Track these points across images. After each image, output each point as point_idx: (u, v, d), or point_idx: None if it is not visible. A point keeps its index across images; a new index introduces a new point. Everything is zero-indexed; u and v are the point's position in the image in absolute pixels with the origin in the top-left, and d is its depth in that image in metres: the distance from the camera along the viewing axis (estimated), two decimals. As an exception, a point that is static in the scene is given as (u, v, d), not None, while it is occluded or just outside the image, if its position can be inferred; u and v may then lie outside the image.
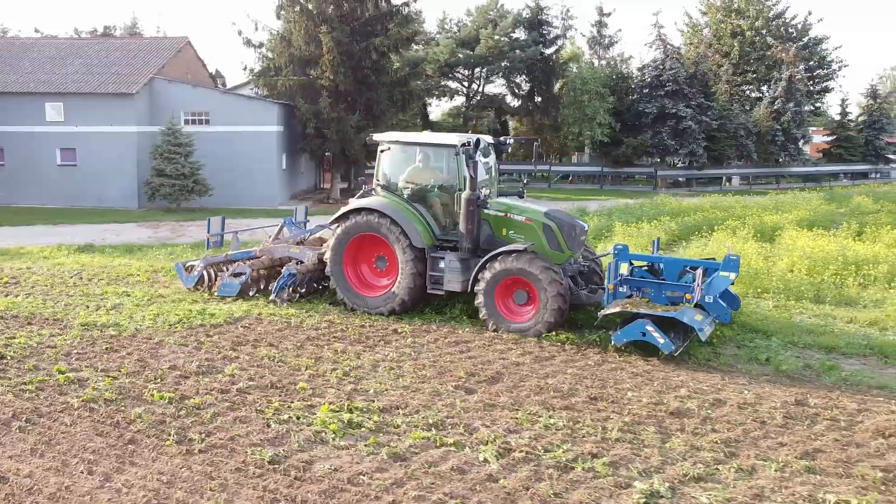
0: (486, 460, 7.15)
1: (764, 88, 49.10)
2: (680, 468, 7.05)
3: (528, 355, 10.53)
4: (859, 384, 9.66)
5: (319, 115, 29.09)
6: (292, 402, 8.54)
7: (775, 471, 7.04)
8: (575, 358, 10.48)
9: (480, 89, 42.32)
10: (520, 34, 42.18)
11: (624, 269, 11.30)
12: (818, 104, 55.47)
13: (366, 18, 30.42)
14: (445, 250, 12.31)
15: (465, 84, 42.02)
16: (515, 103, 44.28)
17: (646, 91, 42.44)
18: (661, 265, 11.77)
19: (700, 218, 22.88)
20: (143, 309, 12.80)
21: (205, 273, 14.05)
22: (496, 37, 39.92)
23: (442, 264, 12.16)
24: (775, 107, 45.79)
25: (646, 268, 11.89)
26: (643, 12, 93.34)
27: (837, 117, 53.72)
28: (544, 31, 42.13)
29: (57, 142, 29.09)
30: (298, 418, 8.11)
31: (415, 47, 42.31)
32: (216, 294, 13.59)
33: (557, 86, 42.55)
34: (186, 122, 29.50)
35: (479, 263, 11.67)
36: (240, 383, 9.15)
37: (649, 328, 10.07)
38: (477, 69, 40.85)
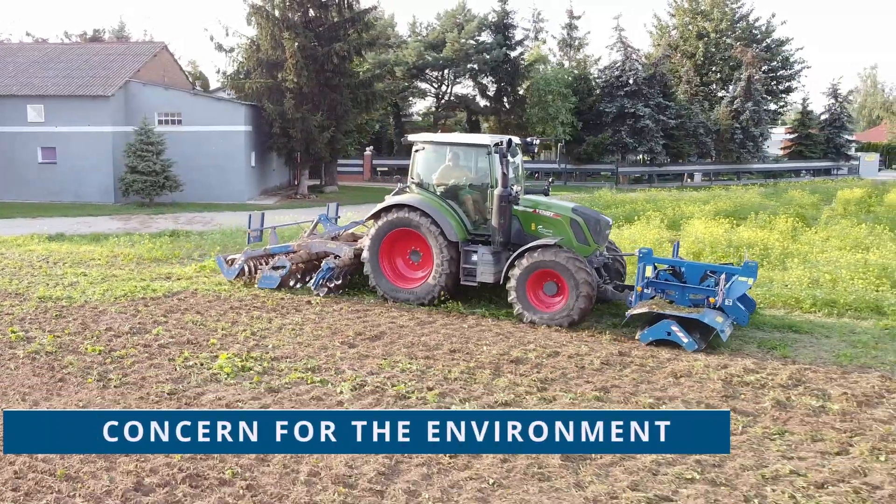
0: (341, 392, 8.96)
1: (730, 88, 50.86)
2: (494, 398, 8.86)
3: (415, 320, 12.35)
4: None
5: (284, 116, 30.94)
6: (200, 354, 10.35)
7: (569, 399, 8.85)
8: (454, 322, 12.28)
9: (449, 90, 44.13)
10: (486, 37, 44.01)
11: (649, 271, 11.96)
12: (782, 103, 57.33)
13: (330, 24, 32.29)
14: (478, 244, 12.95)
15: (435, 85, 43.83)
16: (485, 103, 46.09)
17: (607, 91, 44.28)
18: (683, 269, 12.16)
19: (629, 209, 24.70)
20: (96, 286, 14.61)
21: (245, 266, 14.67)
22: (462, 40, 41.73)
23: (475, 257, 12.77)
24: (735, 106, 47.65)
25: (669, 271, 12.28)
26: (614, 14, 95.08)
27: (800, 116, 55.58)
28: (510, 35, 43.96)
29: (38, 141, 30.88)
30: (202, 364, 9.92)
31: (389, 50, 44.35)
32: (257, 286, 14.32)
33: (523, 87, 44.35)
34: (160, 122, 31.31)
35: (511, 257, 12.28)
36: (161, 340, 10.97)
37: (674, 328, 10.74)
38: (445, 71, 42.61)
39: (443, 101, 45.15)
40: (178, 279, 15.48)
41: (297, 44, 30.25)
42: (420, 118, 47.18)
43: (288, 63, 30.35)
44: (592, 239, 12.50)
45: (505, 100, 44.20)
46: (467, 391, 9.08)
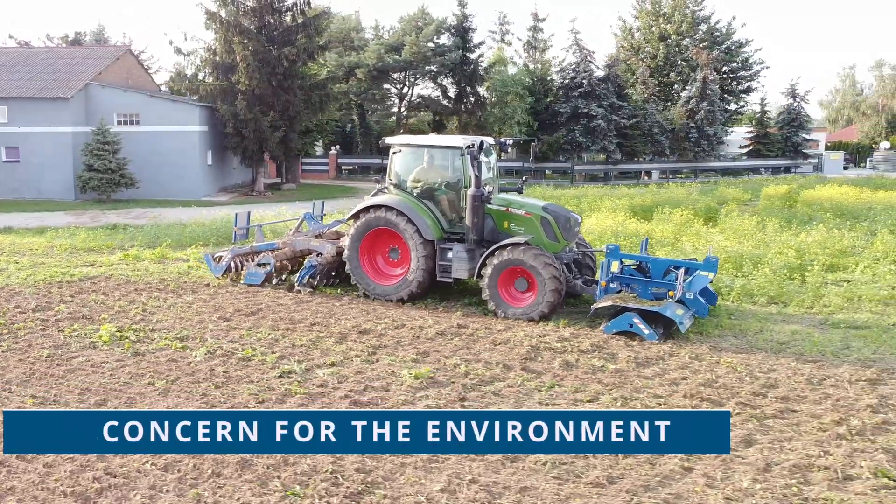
0: (195, 356, 10.42)
1: (688, 88, 52.29)
2: (324, 359, 10.32)
3: (295, 300, 13.82)
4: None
5: (237, 116, 32.43)
6: (88, 326, 11.80)
7: (388, 362, 10.30)
8: (328, 302, 13.74)
9: (410, 92, 45.66)
10: (445, 40, 45.47)
11: (615, 267, 12.43)
12: (742, 103, 58.86)
13: (284, 29, 33.81)
14: (453, 242, 13.42)
15: (399, 87, 45.34)
16: (447, 104, 47.56)
17: (563, 92, 45.77)
18: (648, 264, 12.70)
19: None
20: (23, 271, 16.07)
21: (232, 263, 15.16)
22: (420, 42, 43.20)
23: (450, 255, 13.23)
24: (690, 106, 49.17)
25: (634, 266, 12.82)
26: (583, 16, 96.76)
27: (758, 115, 57.11)
28: (469, 38, 45.42)
29: (2, 141, 32.35)
30: (85, 335, 11.38)
31: (352, 52, 45.83)
32: (243, 282, 14.82)
33: (483, 88, 45.83)
34: (119, 122, 32.80)
35: (483, 255, 12.81)
36: (60, 316, 12.42)
37: (636, 320, 11.21)
38: (405, 73, 44.09)
39: (406, 102, 46.56)
40: (101, 266, 16.92)
41: (250, 48, 31.75)
42: (383, 119, 48.58)
43: (240, 66, 31.83)
44: (562, 236, 13.00)
45: (466, 101, 45.65)
46: (304, 355, 10.54)
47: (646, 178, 49.87)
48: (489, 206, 13.21)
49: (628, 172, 49.47)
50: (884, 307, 13.39)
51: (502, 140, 15.44)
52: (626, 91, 48.07)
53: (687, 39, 55.93)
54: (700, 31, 56.68)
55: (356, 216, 13.93)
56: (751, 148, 56.78)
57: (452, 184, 13.66)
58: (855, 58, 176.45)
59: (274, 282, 14.89)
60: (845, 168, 72.81)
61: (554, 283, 12.17)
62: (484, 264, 12.74)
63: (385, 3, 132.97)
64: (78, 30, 60.46)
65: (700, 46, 51.99)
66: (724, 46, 56.07)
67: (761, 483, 6.81)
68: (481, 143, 13.13)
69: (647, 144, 48.01)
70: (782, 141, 55.78)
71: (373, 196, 14.30)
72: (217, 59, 33.31)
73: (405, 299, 13.51)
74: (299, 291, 14.23)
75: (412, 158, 14.03)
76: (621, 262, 12.63)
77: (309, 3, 34.28)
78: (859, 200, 27.69)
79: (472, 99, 45.79)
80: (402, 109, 47.18)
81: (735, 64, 57.01)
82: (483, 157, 13.24)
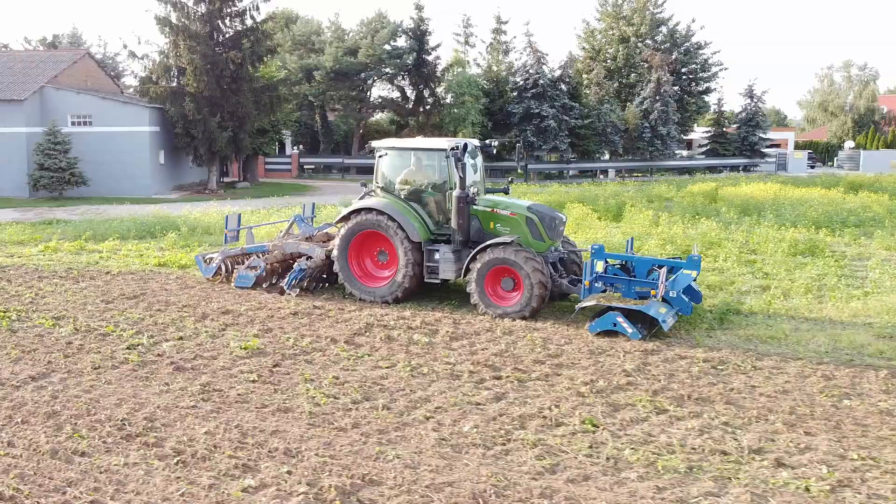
0: (62, 332, 11.66)
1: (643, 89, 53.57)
2: (175, 335, 11.55)
3: (203, 291, 14.77)
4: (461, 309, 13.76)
5: (186, 118, 33.72)
6: (-17, 309, 13.02)
7: (231, 336, 11.55)
8: (236, 293, 14.60)
9: (368, 94, 46.91)
10: (402, 43, 46.79)
11: (599, 266, 12.47)
12: (701, 104, 60.20)
13: (233, 34, 35.18)
14: (440, 243, 13.51)
15: (357, 89, 46.62)
16: (407, 105, 48.88)
17: (515, 93, 47.11)
18: (633, 264, 12.72)
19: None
20: (-54, 262, 17.33)
21: (222, 265, 15.29)
22: (375, 45, 44.51)
23: (437, 256, 13.33)
24: (644, 106, 50.53)
25: (619, 266, 12.84)
26: (551, 18, 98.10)
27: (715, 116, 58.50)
28: (425, 40, 46.73)
29: (-41, 141, 33.67)
30: (-19, 317, 12.59)
31: (312, 55, 47.14)
32: (234, 285, 14.81)
33: (440, 89, 47.17)
34: (73, 123, 34.12)
35: (470, 255, 12.93)
36: (-46, 300, 13.66)
37: (619, 319, 11.29)
38: (363, 74, 45.38)
39: (366, 103, 47.85)
40: (19, 257, 18.17)
41: (199, 52, 33.05)
42: (343, 119, 49.90)
43: (188, 70, 33.15)
44: (547, 235, 13.11)
45: (423, 102, 46.96)
46: (159, 332, 11.74)
47: (601, 176, 51.24)
48: (475, 207, 13.35)
49: (588, 171, 50.85)
50: (706, 290, 14.57)
51: (487, 142, 15.65)
52: (581, 92, 49.40)
53: (648, 41, 57.36)
54: (661, 34, 58.13)
55: (344, 219, 14.02)
56: (708, 147, 58.20)
57: (439, 186, 13.81)
58: (834, 58, 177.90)
59: (265, 285, 14.80)
60: (812, 167, 74.38)
61: (539, 282, 12.29)
62: (470, 264, 12.88)
63: (359, 8, 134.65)
64: (56, 32, 61.85)
65: (655, 49, 53.39)
66: (683, 48, 57.50)
67: (480, 427, 8.08)
68: (465, 144, 13.25)
69: (601, 144, 49.37)
70: (739, 140, 57.19)
71: (360, 199, 14.38)
72: (168, 62, 34.60)
73: (393, 300, 13.59)
74: (289, 295, 14.14)
75: (399, 161, 14.18)
76: (606, 262, 12.69)
77: (258, 8, 35.66)
78: (776, 196, 29.04)
79: (430, 100, 47.12)
80: (362, 110, 48.39)
81: (694, 65, 58.41)
82: (469, 159, 13.34)
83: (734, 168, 57.00)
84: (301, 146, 50.33)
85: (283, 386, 9.38)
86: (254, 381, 9.54)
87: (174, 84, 34.55)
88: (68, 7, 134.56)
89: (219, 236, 21.10)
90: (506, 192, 14.82)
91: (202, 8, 34.66)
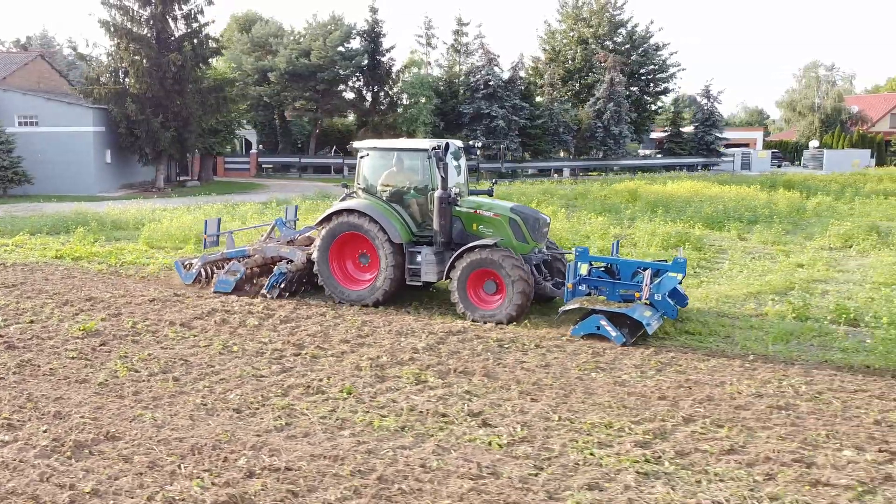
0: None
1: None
2: (30, 318, 12.48)
3: (81, 281, 15.71)
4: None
5: (129, 118, 34.68)
6: None
7: (81, 320, 12.50)
8: (109, 283, 15.64)
9: (321, 95, 47.83)
10: (356, 44, 47.77)
11: (584, 269, 12.26)
12: (659, 104, 61.26)
13: (177, 36, 36.15)
14: (422, 245, 13.27)
15: (311, 90, 47.54)
16: (363, 105, 49.84)
17: (468, 94, 48.10)
18: (617, 266, 12.57)
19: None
20: None
21: (202, 270, 15.00)
22: (328, 47, 45.47)
23: (419, 258, 13.10)
24: (597, 107, 51.54)
25: (603, 268, 12.73)
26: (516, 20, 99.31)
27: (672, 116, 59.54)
28: (380, 42, 47.72)
29: None
30: None
31: (269, 57, 48.11)
32: (213, 290, 14.42)
33: (395, 90, 48.17)
34: (20, 123, 35.10)
35: (452, 257, 12.70)
36: None
37: (603, 323, 11.12)
38: (317, 75, 46.29)
39: (321, 104, 48.80)
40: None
41: (143, 54, 34.02)
42: (298, 119, 50.88)
43: (130, 71, 34.12)
44: (531, 237, 12.89)
45: (378, 102, 47.95)
46: (15, 317, 12.67)
47: (556, 175, 52.24)
48: (457, 208, 13.13)
49: (546, 170, 51.82)
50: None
51: (470, 143, 15.57)
52: (534, 92, 50.41)
53: (608, 42, 58.38)
54: (621, 35, 59.15)
55: (325, 221, 13.77)
56: (664, 147, 59.23)
57: (421, 187, 13.54)
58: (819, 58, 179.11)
59: (246, 288, 14.55)
60: (779, 166, 75.58)
61: (522, 284, 12.09)
62: (452, 266, 12.67)
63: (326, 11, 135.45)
64: (29, 34, 62.76)
65: (612, 50, 54.41)
66: (641, 50, 58.55)
67: (246, 395, 9.02)
68: (447, 145, 13.10)
69: (553, 144, 50.36)
70: (695, 140, 58.22)
71: (341, 200, 14.22)
72: (113, 64, 35.58)
73: (375, 303, 13.35)
74: (270, 298, 13.91)
75: (380, 162, 13.95)
76: (590, 265, 12.57)
77: (202, 12, 36.61)
78: (693, 194, 30.03)
79: (386, 101, 48.11)
80: (318, 111, 49.36)
81: (653, 66, 59.44)
82: (452, 161, 13.19)
83: (691, 167, 58.02)
84: (262, 146, 51.29)
85: (97, 362, 10.30)
86: (72, 358, 10.44)
87: (120, 85, 35.41)
88: (41, 9, 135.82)
89: (129, 231, 22.13)
90: (490, 193, 14.55)
91: (147, 11, 35.58)
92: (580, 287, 12.13)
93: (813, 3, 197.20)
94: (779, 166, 75.27)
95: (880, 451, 7.53)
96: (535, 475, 6.98)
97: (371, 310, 13.31)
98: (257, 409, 8.66)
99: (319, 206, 25.33)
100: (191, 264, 15.20)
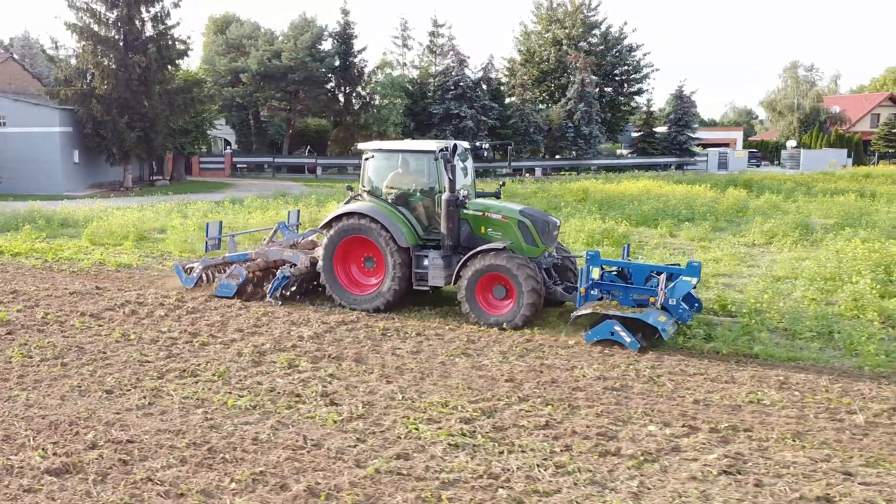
0: None
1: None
2: (41, 324, 13.12)
3: (11, 275, 16.36)
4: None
5: (95, 119, 35.33)
6: None
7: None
8: (39, 276, 16.29)
9: (294, 95, 48.52)
10: (327, 46, 48.46)
11: (595, 273, 12.00)
12: (633, 104, 61.97)
13: (144, 39, 36.83)
14: (429, 249, 12.98)
15: (283, 90, 48.23)
16: (337, 106, 50.53)
17: (438, 94, 48.81)
18: (630, 270, 12.25)
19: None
20: None
21: (203, 275, 14.67)
22: (299, 48, 46.14)
23: (426, 262, 12.81)
24: (568, 107, 52.23)
25: (615, 272, 12.38)
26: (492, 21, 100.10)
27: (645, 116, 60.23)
28: (351, 44, 48.40)
29: None
30: None
31: (241, 58, 48.79)
32: (215, 294, 14.13)
33: (366, 90, 48.86)
34: (-12, 123, 35.83)
35: (460, 262, 12.41)
36: None
37: (617, 328, 10.88)
38: (289, 76, 46.96)
39: (293, 104, 49.48)
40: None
41: (108, 56, 34.68)
42: (272, 120, 51.56)
43: (95, 73, 34.78)
44: (540, 240, 12.60)
45: (350, 103, 48.62)
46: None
47: (527, 174, 52.87)
48: (465, 211, 12.86)
49: (518, 169, 52.46)
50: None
51: (478, 144, 15.59)
52: (503, 93, 51.10)
53: (583, 43, 59.09)
54: (595, 36, 59.85)
55: (329, 225, 13.51)
56: (638, 146, 59.92)
57: (427, 189, 13.28)
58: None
59: (248, 292, 14.26)
60: (758, 166, 76.36)
61: (533, 289, 11.86)
62: (460, 271, 12.42)
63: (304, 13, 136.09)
64: (12, 35, 63.41)
65: (586, 52, 55.11)
66: (615, 51, 59.25)
67: (124, 378, 9.67)
68: (454, 146, 12.84)
69: (524, 144, 51.02)
70: (668, 140, 58.92)
71: (346, 203, 13.99)
72: (81, 65, 36.25)
73: (381, 309, 13.07)
74: (273, 303, 13.69)
75: (385, 164, 13.66)
76: (602, 268, 12.28)
77: (169, 15, 37.28)
78: (642, 193, 30.72)
79: (358, 101, 48.80)
80: (290, 111, 50.03)
81: (626, 67, 60.16)
82: (459, 162, 12.92)
83: (664, 167, 58.69)
84: (237, 146, 51.96)
85: (-5, 350, 10.94)
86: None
87: (87, 87, 36.05)
88: (23, 10, 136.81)
89: (78, 229, 22.76)
90: (497, 196, 14.17)
91: (114, 14, 36.22)
92: (592, 291, 11.82)
93: (803, 3, 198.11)
94: (758, 165, 76.09)
95: (683, 426, 8.19)
96: (354, 447, 7.62)
97: (272, 301, 13.94)
98: (128, 390, 9.27)
99: (266, 203, 25.98)
100: (192, 268, 14.81)
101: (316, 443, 7.72)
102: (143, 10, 36.82)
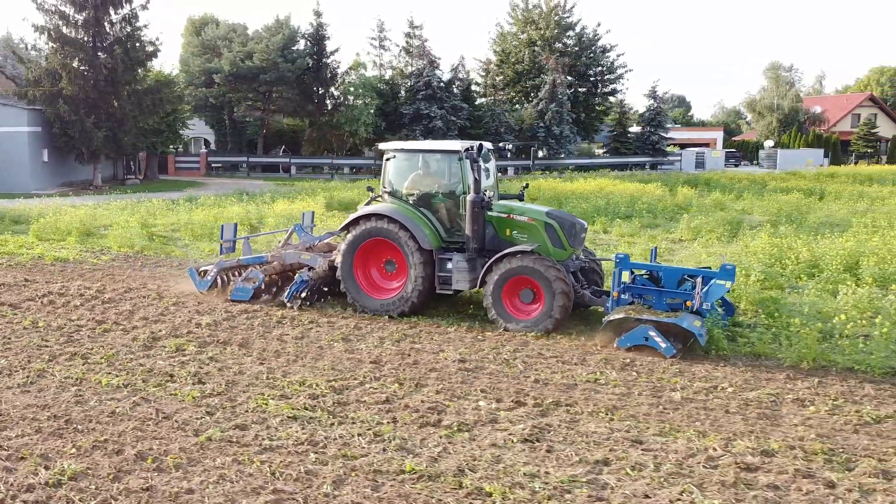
0: None
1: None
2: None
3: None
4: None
5: (62, 119, 36.08)
6: None
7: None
8: (15, 281, 17.11)
9: (267, 95, 49.28)
10: (301, 46, 49.19)
11: (625, 276, 11.82)
12: (608, 104, 62.70)
13: (111, 40, 37.58)
14: (452, 251, 12.72)
15: (256, 90, 48.99)
16: (309, 107, 51.28)
17: (409, 95, 49.58)
18: (661, 273, 11.99)
19: (320, 188, 30.02)
20: None
21: (218, 278, 14.36)
22: (270, 49, 46.91)
23: (449, 265, 12.54)
24: (539, 107, 52.99)
25: (646, 276, 12.20)
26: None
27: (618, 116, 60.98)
28: (324, 45, 49.18)
29: None
30: None
31: (215, 60, 49.55)
32: (230, 298, 13.87)
33: (338, 91, 49.64)
34: (-42, 123, 36.55)
35: (486, 264, 12.10)
36: None
37: (652, 333, 10.58)
38: (261, 77, 47.71)
39: (266, 104, 50.23)
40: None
41: (76, 57, 35.43)
42: (246, 120, 52.33)
43: (62, 74, 35.53)
44: (568, 243, 12.35)
45: (322, 103, 49.40)
46: None
47: (500, 174, 53.63)
48: (489, 213, 12.62)
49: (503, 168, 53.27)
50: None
51: (501, 145, 16.04)
52: (480, 93, 51.90)
53: (559, 44, 59.81)
54: (570, 37, 60.57)
55: (349, 226, 13.21)
56: (611, 146, 60.70)
57: (450, 190, 13.02)
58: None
59: (265, 296, 14.01)
60: (736, 165, 77.23)
61: (563, 293, 11.58)
62: (486, 275, 12.15)
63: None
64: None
65: (555, 52, 55.84)
66: (590, 52, 59.98)
67: (17, 360, 10.39)
68: (480, 146, 12.71)
69: (495, 143, 51.75)
70: (641, 140, 59.69)
71: (366, 205, 13.80)
72: (50, 66, 37.00)
73: (405, 313, 12.79)
74: (291, 307, 13.36)
75: (407, 165, 13.41)
76: (632, 272, 12.13)
77: (137, 17, 38.03)
78: (597, 190, 31.49)
79: (330, 102, 49.57)
80: (264, 111, 50.79)
81: (600, 67, 60.92)
82: (482, 163, 12.61)
83: (640, 167, 59.48)
84: (213, 145, 52.74)
85: None
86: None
87: (55, 87, 36.76)
88: (6, 11, 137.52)
89: (27, 225, 23.45)
90: (520, 198, 13.84)
91: (82, 16, 36.95)
92: (623, 296, 11.56)
93: (791, 3, 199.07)
94: (736, 165, 77.00)
95: (513, 402, 8.91)
96: (200, 419, 8.33)
97: (185, 291, 14.67)
98: (14, 371, 9.99)
99: (220, 202, 26.73)
100: (206, 272, 14.49)
101: (167, 416, 8.42)
102: (111, 11, 37.52)
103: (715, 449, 7.57)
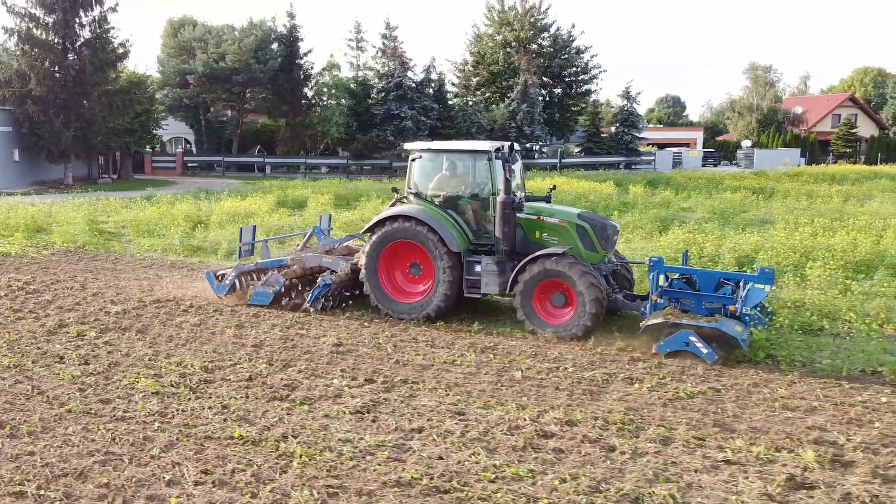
0: None
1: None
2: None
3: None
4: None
5: (31, 119, 36.91)
6: None
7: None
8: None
9: (241, 97, 50.15)
10: (274, 48, 50.05)
11: (662, 280, 11.53)
12: (583, 105, 63.50)
13: (81, 42, 38.42)
14: (480, 254, 12.45)
15: (230, 91, 49.83)
16: (284, 107, 52.14)
17: (381, 95, 50.40)
18: (696, 277, 11.70)
19: (276, 186, 30.81)
20: None
21: (236, 282, 14.07)
22: (242, 51, 47.74)
23: (478, 268, 12.28)
24: (511, 108, 53.82)
25: (682, 279, 11.89)
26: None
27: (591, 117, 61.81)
28: (297, 46, 50.05)
29: None
30: None
31: (190, 61, 50.39)
32: (249, 302, 13.63)
33: (311, 92, 50.51)
34: (-70, 124, 37.33)
35: (518, 266, 11.83)
36: None
37: (692, 339, 10.38)
38: (234, 78, 48.54)
39: (240, 105, 51.08)
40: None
41: (45, 59, 36.27)
42: (217, 120, 53.19)
43: (31, 75, 36.38)
44: (600, 245, 12.12)
45: (295, 103, 50.26)
46: None
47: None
48: (519, 214, 12.33)
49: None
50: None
51: (529, 146, 15.11)
52: (454, 94, 52.74)
53: (534, 45, 60.64)
54: (545, 38, 61.38)
55: (374, 228, 12.91)
56: (584, 147, 61.52)
57: (478, 192, 12.76)
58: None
59: (284, 301, 13.65)
60: (714, 165, 78.17)
61: (596, 299, 11.29)
62: (517, 278, 11.86)
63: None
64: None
65: (530, 53, 56.69)
66: (563, 53, 60.79)
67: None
68: (511, 146, 12.40)
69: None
70: (615, 140, 60.50)
71: (391, 206, 13.52)
72: (18, 67, 37.87)
73: (432, 317, 12.49)
74: (314, 312, 13.15)
75: (433, 166, 13.12)
76: (666, 276, 11.79)
77: (106, 19, 38.85)
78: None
79: (304, 102, 50.43)
80: (239, 111, 51.63)
81: (575, 69, 61.74)
82: (510, 163, 12.29)
83: (611, 166, 60.24)
84: (189, 145, 53.61)
85: None
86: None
87: (25, 88, 37.59)
88: None
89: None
90: (547, 200, 13.47)
91: (52, 18, 37.79)
92: (659, 300, 11.30)
93: (784, 4, 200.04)
94: (715, 165, 77.93)
95: (365, 380, 9.68)
96: (69, 394, 9.10)
97: (112, 283, 15.46)
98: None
99: (175, 199, 27.51)
100: (223, 275, 14.16)
101: (40, 391, 9.19)
102: (81, 14, 38.33)
103: (525, 420, 8.35)
